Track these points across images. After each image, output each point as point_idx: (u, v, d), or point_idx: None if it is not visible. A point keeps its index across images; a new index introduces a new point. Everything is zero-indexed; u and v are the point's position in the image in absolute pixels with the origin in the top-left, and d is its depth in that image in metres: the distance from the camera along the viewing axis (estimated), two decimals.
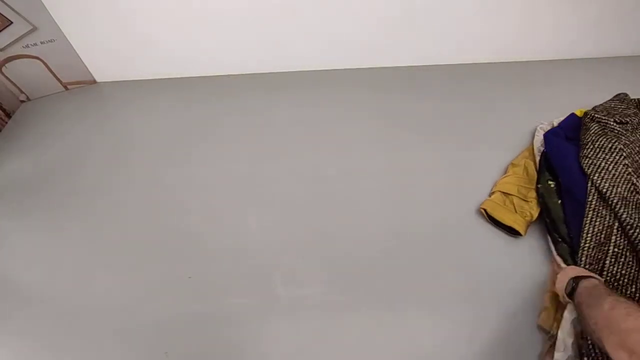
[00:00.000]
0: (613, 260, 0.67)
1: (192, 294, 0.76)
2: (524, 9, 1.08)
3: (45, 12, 1.10)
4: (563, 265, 0.69)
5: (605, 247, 0.69)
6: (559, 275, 0.63)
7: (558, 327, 0.63)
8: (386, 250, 0.80)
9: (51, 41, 1.17)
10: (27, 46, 1.15)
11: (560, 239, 0.75)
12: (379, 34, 1.15)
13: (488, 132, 1.00)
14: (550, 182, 0.83)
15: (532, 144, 0.95)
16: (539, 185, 0.84)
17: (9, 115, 1.23)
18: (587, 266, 0.68)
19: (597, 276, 0.59)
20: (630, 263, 0.67)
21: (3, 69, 1.17)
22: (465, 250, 0.79)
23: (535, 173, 0.87)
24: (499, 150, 0.95)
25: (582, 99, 1.01)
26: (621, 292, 0.64)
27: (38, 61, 1.20)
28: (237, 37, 1.17)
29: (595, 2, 1.06)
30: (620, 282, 0.65)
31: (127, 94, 1.27)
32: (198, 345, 0.70)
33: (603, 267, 0.67)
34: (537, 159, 0.90)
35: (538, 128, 0.97)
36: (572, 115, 0.95)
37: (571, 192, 0.78)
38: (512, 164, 0.90)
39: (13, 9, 1.07)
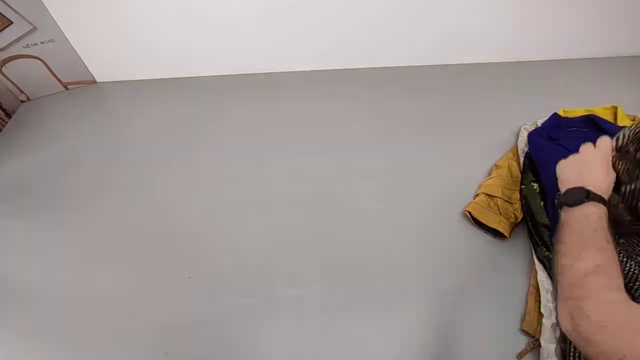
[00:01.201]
0: None
1: (192, 294, 0.76)
2: (523, 8, 1.08)
3: (45, 12, 1.10)
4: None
5: None
6: (574, 160, 0.54)
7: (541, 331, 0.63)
8: (383, 250, 0.80)
9: (51, 41, 1.17)
10: (27, 46, 1.16)
11: (540, 242, 0.74)
12: (379, 34, 1.15)
13: (486, 132, 1.00)
14: (533, 184, 0.83)
15: (516, 144, 0.95)
16: (522, 187, 0.83)
17: (9, 115, 1.23)
18: None
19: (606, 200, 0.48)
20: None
21: (3, 69, 1.18)
22: (453, 251, 0.79)
23: (519, 174, 0.87)
24: (497, 150, 0.95)
25: (582, 99, 1.01)
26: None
27: (38, 61, 1.20)
28: (237, 37, 1.17)
29: (595, 2, 1.06)
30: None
31: (127, 94, 1.28)
32: (198, 346, 0.70)
33: None
34: (521, 159, 0.89)
35: (522, 129, 0.96)
36: (555, 115, 0.94)
37: (553, 194, 0.76)
38: (496, 166, 0.90)
39: (13, 9, 1.07)
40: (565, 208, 0.49)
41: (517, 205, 0.81)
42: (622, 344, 0.33)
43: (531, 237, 0.76)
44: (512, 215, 0.79)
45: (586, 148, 0.56)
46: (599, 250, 0.41)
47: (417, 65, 1.24)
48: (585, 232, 0.44)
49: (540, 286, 0.69)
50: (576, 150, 0.82)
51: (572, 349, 0.59)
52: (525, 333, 0.66)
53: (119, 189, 0.98)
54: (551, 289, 0.69)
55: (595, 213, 0.46)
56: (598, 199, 0.47)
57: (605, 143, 0.54)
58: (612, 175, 0.51)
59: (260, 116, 1.13)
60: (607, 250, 0.41)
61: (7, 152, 1.12)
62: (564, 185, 0.52)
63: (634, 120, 0.93)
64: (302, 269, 0.78)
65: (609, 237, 0.44)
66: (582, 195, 0.47)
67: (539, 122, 0.96)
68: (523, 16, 1.10)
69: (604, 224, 0.45)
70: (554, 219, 0.75)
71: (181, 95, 1.24)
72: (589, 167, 0.52)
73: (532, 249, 0.75)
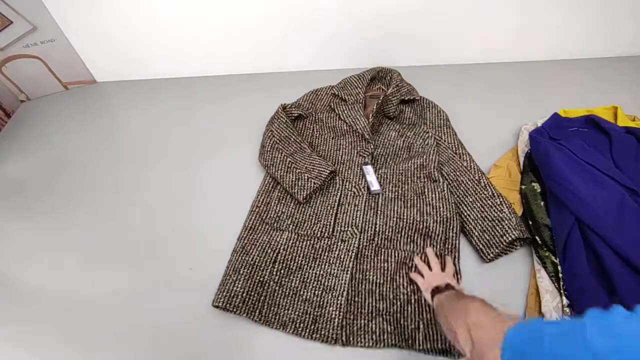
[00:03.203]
0: None
1: (192, 293, 0.76)
2: (523, 9, 1.07)
3: (45, 12, 1.10)
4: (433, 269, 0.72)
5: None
6: (427, 277, 0.70)
7: None
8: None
9: (51, 41, 1.17)
10: (27, 46, 1.16)
11: (540, 242, 0.74)
12: (378, 34, 1.15)
13: (486, 132, 1.00)
14: (534, 184, 0.83)
15: (516, 145, 0.95)
16: (522, 187, 0.83)
17: (9, 115, 1.24)
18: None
19: (454, 285, 0.64)
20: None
21: (3, 68, 1.18)
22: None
23: (519, 174, 0.87)
24: (497, 150, 0.95)
25: (582, 99, 1.01)
26: None
27: (38, 61, 1.20)
28: (237, 38, 1.17)
29: (595, 3, 1.06)
30: None
31: (127, 94, 1.28)
32: (198, 346, 0.70)
33: None
34: (521, 160, 0.89)
35: (522, 128, 0.96)
36: (555, 115, 0.94)
37: (554, 194, 0.77)
38: (495, 166, 0.90)
39: (13, 9, 1.07)
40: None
41: (516, 206, 0.81)
42: None
43: (532, 237, 0.76)
44: None
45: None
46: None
47: (416, 65, 1.24)
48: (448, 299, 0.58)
49: (540, 286, 0.69)
50: (577, 151, 0.82)
51: None
52: None
53: (118, 188, 0.98)
54: (551, 289, 0.69)
55: (444, 296, 0.59)
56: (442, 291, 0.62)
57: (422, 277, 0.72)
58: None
59: (260, 116, 1.13)
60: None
61: (7, 152, 1.12)
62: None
63: (634, 120, 0.92)
64: None
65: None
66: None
67: (539, 122, 0.96)
68: (523, 16, 1.10)
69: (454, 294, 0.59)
70: (555, 219, 0.75)
71: (181, 95, 1.24)
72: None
73: (533, 249, 0.75)
